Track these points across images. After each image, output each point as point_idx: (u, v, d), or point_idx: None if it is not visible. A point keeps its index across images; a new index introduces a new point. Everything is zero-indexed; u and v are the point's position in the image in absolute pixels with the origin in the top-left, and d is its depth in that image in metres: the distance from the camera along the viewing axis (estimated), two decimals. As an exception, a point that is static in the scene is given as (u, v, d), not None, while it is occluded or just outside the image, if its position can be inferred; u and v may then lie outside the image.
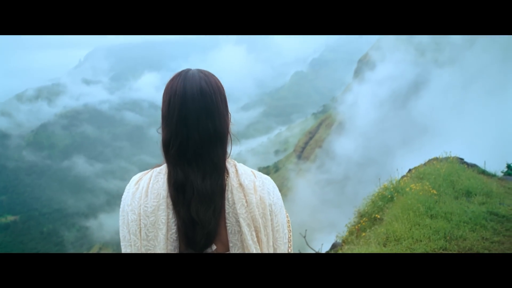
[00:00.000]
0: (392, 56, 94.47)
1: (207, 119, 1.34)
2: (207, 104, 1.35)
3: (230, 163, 1.44)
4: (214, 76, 1.52)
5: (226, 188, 1.31)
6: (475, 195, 7.26)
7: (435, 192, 7.15)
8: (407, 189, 7.56)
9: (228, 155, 1.48)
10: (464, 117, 61.10)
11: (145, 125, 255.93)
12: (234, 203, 1.28)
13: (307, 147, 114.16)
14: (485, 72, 66.08)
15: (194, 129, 1.30)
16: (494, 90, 60.51)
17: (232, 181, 1.33)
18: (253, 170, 1.47)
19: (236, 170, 1.39)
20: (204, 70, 1.51)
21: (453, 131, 58.66)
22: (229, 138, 1.49)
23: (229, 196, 1.30)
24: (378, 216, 7.18)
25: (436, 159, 11.59)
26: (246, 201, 1.27)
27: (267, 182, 1.42)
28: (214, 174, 1.30)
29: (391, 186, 8.33)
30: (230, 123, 1.61)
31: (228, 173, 1.36)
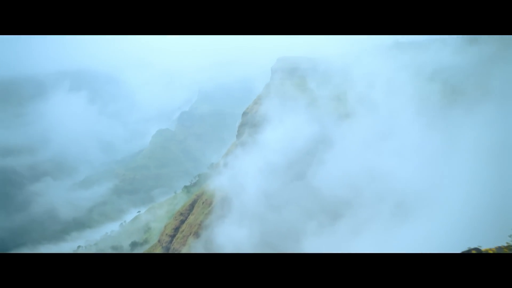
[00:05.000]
0: (283, 107, 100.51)
1: None
2: None
3: None
4: None
5: None
6: None
7: None
8: None
9: None
10: (378, 181, 65.95)
11: None
12: None
13: (178, 236, 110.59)
14: (400, 126, 74.06)
15: None
16: (410, 148, 67.51)
17: None
18: None
19: None
20: None
21: (369, 201, 62.46)
22: None
23: None
24: None
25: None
26: None
27: None
28: None
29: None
30: None
31: None
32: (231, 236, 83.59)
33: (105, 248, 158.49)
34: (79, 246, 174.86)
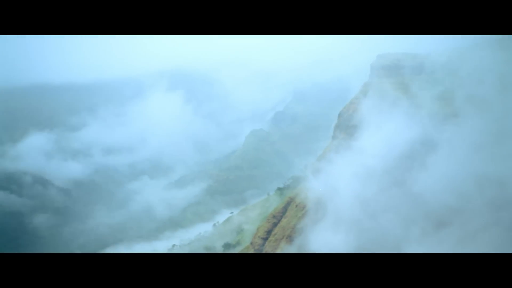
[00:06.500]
0: (382, 107, 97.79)
1: None
2: None
3: None
4: None
5: None
6: None
7: None
8: None
9: None
10: (491, 188, 61.96)
11: (27, 211, 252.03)
12: None
13: (271, 239, 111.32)
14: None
15: None
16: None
17: None
18: None
19: None
20: None
21: (482, 209, 58.85)
22: None
23: None
24: None
25: None
26: None
27: None
28: None
29: None
30: None
31: None
32: (326, 241, 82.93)
33: (198, 248, 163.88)
34: (173, 245, 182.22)
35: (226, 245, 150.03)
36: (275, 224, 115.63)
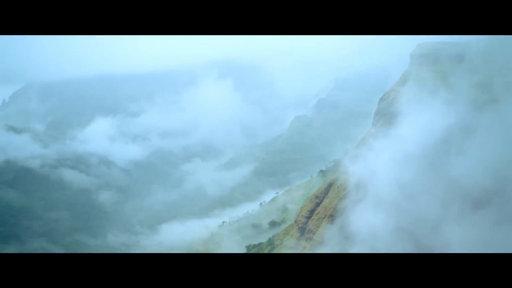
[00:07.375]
0: (421, 94, 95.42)
1: None
2: None
3: None
4: None
5: None
6: None
7: None
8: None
9: None
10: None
11: (94, 188, 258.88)
12: None
13: (313, 217, 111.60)
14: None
15: None
16: None
17: None
18: None
19: None
20: None
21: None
22: None
23: None
24: None
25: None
26: None
27: None
28: None
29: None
30: None
31: None
32: (366, 221, 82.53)
33: (246, 225, 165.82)
34: (223, 222, 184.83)
35: (272, 223, 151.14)
36: (317, 204, 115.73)
